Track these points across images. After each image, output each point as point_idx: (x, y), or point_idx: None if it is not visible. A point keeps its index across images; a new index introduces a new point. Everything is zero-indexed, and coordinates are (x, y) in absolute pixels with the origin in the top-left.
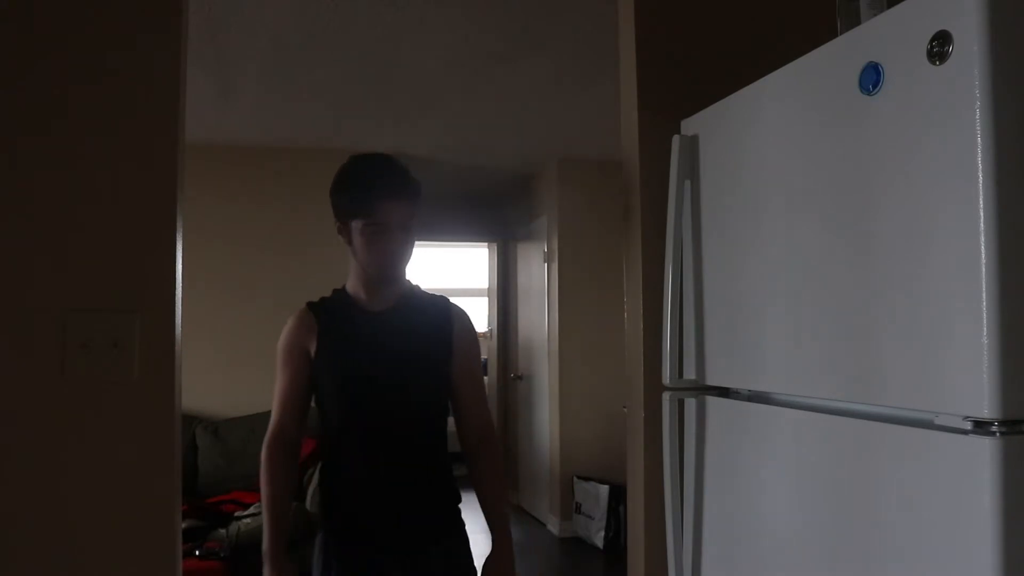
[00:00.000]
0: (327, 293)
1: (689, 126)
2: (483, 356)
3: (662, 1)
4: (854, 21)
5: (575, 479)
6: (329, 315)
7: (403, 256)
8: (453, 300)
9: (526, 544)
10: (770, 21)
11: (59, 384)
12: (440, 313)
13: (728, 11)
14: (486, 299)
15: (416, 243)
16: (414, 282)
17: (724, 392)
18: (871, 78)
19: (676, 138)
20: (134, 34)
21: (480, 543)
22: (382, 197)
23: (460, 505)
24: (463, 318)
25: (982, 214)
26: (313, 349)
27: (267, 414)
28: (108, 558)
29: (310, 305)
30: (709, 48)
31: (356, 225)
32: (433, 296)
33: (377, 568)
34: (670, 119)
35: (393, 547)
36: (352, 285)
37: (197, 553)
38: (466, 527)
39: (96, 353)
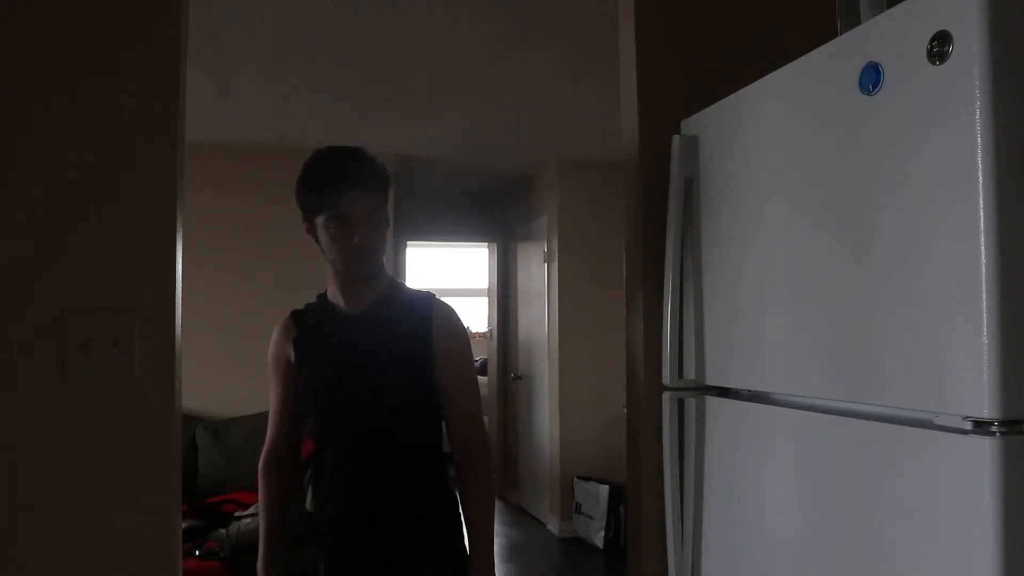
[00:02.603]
0: (324, 290)
1: (689, 126)
2: (483, 356)
3: (662, 1)
4: (854, 21)
5: (575, 479)
6: (308, 321)
7: (371, 250)
8: (451, 299)
9: (526, 544)
10: (770, 21)
11: (59, 384)
12: (420, 313)
13: (728, 11)
14: (486, 299)
15: (414, 242)
16: (399, 281)
17: (724, 392)
18: (871, 78)
19: (676, 138)
20: (134, 34)
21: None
22: (341, 188)
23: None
24: (444, 317)
25: (982, 214)
26: (292, 357)
27: (267, 414)
28: (108, 558)
29: (293, 313)
30: (709, 48)
31: (320, 221)
32: (417, 294)
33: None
34: (670, 119)
35: (372, 556)
36: (330, 288)
37: (197, 553)
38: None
39: (96, 353)
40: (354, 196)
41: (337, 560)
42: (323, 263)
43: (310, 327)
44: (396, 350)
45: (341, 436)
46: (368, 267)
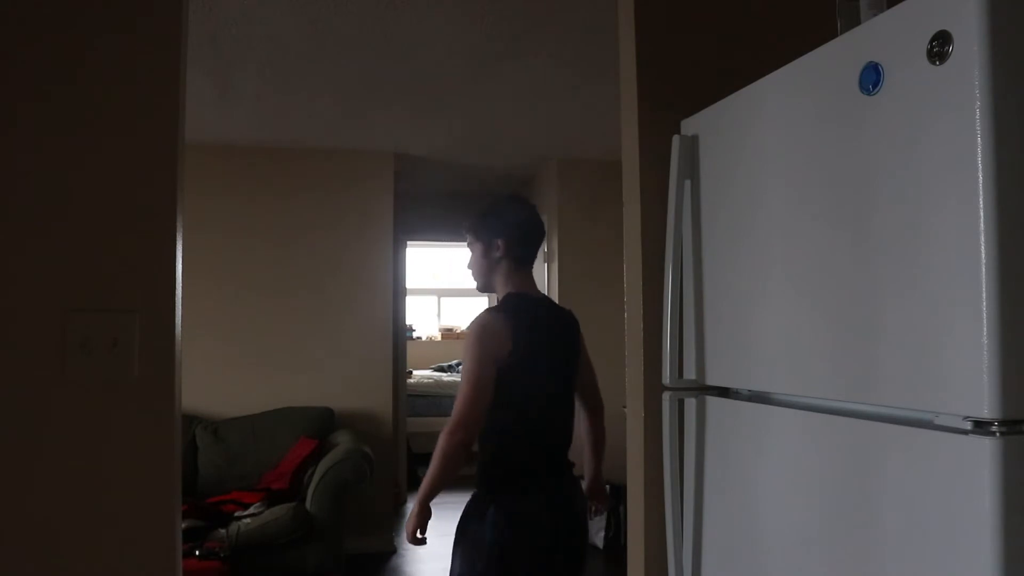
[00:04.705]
0: (323, 291)
1: (689, 126)
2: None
3: (662, 1)
4: (854, 21)
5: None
6: None
7: (473, 274)
8: (451, 299)
9: None
10: (770, 21)
11: (59, 384)
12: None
13: (728, 11)
14: (486, 299)
15: (414, 242)
16: (513, 294)
17: (724, 392)
18: (871, 78)
19: (676, 138)
20: (134, 33)
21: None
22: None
23: (490, 493)
24: (474, 319)
25: (982, 214)
26: None
27: (267, 414)
28: (108, 558)
29: None
30: (709, 48)
31: None
32: (495, 307)
33: None
34: (670, 119)
35: None
36: None
37: (197, 553)
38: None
39: (96, 353)
40: (466, 235)
41: None
42: (323, 262)
43: None
44: None
45: None
46: (477, 283)
